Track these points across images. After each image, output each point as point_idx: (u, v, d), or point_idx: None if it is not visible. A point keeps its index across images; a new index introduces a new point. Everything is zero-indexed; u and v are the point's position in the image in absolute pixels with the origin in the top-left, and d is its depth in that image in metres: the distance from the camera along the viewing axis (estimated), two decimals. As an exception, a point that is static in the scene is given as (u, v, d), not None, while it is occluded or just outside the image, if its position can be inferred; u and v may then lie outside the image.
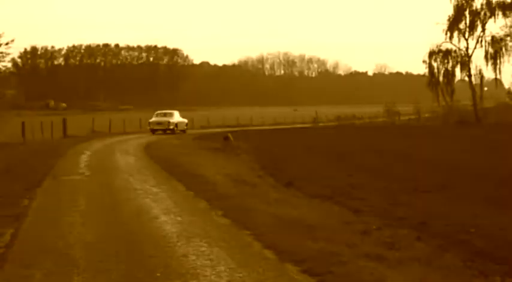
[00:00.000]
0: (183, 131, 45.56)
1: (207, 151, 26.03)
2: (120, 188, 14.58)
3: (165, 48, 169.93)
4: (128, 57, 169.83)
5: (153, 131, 43.45)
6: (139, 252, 8.10)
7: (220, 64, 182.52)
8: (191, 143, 32.56)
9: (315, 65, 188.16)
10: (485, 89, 63.17)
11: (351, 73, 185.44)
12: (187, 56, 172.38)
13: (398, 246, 8.45)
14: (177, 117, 45.63)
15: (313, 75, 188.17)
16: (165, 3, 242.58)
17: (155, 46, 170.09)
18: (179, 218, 10.37)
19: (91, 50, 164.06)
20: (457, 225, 9.59)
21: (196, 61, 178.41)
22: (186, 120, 47.90)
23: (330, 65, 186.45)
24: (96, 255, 7.95)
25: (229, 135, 29.62)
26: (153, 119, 45.14)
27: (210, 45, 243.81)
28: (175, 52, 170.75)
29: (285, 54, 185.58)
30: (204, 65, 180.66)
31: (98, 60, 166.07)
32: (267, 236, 8.74)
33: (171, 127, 43.90)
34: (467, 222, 9.75)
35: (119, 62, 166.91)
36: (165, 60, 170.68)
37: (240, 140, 30.02)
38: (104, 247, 8.42)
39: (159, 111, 47.20)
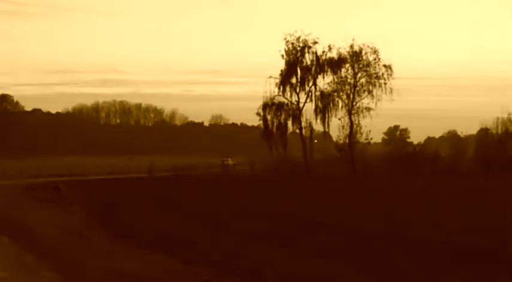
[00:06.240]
0: (234, 166, 74.56)
1: (37, 202, 25.00)
2: None
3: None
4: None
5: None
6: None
7: (53, 112, 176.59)
8: (20, 194, 31.04)
9: (152, 115, 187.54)
10: (315, 141, 65.92)
11: (187, 123, 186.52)
12: (17, 103, 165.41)
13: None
14: (231, 160, 77.16)
15: (150, 124, 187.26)
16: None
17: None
18: (3, 273, 9.81)
19: None
20: (288, 272, 9.90)
21: (28, 108, 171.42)
22: (234, 162, 77.54)
23: (166, 114, 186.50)
24: None
25: (61, 185, 28.70)
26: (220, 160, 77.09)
27: (43, 93, 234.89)
28: (4, 98, 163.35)
29: (121, 102, 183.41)
30: (36, 112, 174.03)
31: None
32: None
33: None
34: (298, 272, 10.09)
35: None
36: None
37: (73, 190, 29.15)
38: None
39: (222, 158, 77.88)
